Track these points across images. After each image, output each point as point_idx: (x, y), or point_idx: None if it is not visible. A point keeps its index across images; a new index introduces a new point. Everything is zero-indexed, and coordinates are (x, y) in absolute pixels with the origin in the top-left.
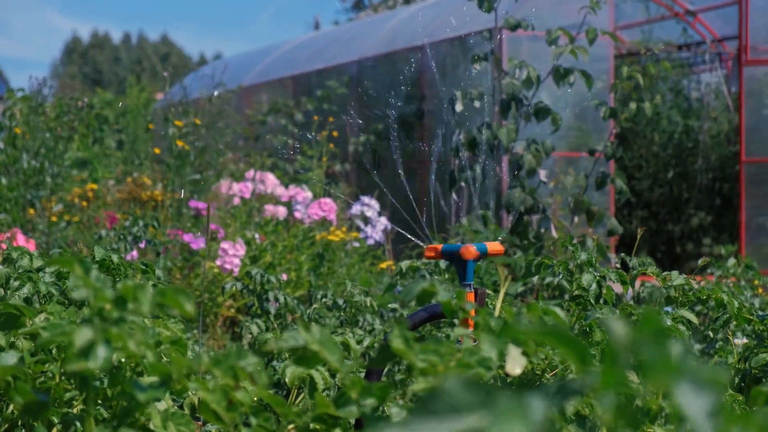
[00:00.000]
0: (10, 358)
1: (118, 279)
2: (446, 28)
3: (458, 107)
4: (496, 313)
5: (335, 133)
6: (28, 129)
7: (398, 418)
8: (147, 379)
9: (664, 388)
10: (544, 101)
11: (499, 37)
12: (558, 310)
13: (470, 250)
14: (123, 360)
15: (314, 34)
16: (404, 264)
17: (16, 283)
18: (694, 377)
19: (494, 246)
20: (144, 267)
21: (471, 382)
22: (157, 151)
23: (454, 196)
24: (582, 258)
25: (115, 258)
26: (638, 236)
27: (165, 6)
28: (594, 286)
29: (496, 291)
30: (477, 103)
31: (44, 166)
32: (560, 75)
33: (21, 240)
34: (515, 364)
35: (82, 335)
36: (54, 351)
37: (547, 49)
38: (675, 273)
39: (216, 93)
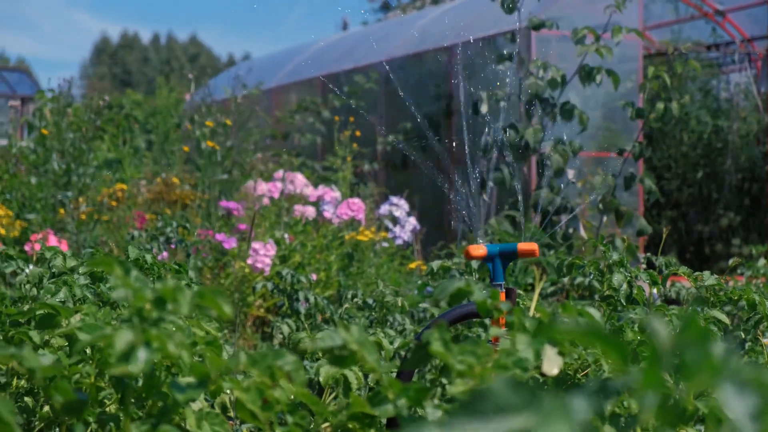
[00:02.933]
0: (48, 359)
1: (151, 279)
2: (474, 28)
3: (483, 108)
4: (531, 312)
5: (358, 133)
6: (56, 129)
7: (433, 417)
8: (184, 379)
9: (707, 389)
10: (573, 102)
11: (526, 37)
12: (593, 310)
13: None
14: (158, 360)
15: (343, 34)
16: (435, 264)
17: (52, 286)
18: (737, 378)
19: (527, 246)
20: (177, 267)
21: (515, 383)
22: (186, 149)
23: (483, 196)
24: (614, 258)
25: (148, 258)
26: (664, 236)
27: (194, 7)
28: (625, 286)
29: (526, 291)
30: (503, 104)
31: (71, 166)
32: (586, 74)
33: (53, 240)
34: (552, 364)
35: (123, 338)
36: (89, 351)
37: (575, 49)
38: (706, 273)
39: (244, 93)
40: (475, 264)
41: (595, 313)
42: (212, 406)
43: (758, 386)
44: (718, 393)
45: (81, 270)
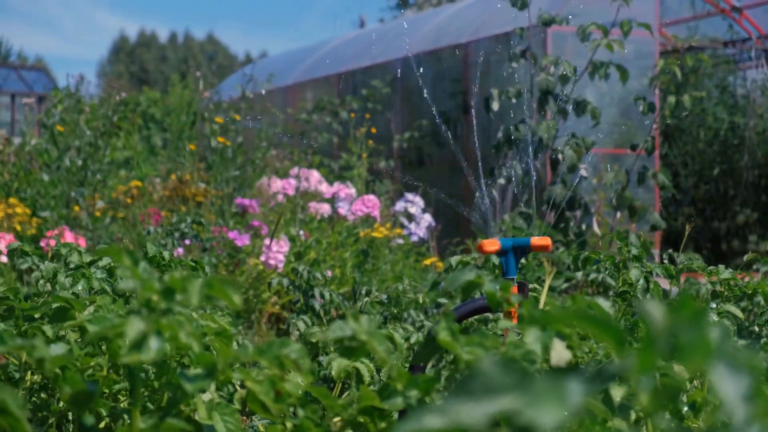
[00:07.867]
0: (59, 350)
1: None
2: (491, 25)
3: (495, 105)
4: (541, 305)
5: (374, 130)
6: (71, 126)
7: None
8: (194, 371)
9: (700, 371)
10: (589, 99)
11: (541, 34)
12: (602, 301)
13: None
14: (169, 352)
15: (359, 32)
16: (453, 260)
17: (68, 280)
18: (730, 360)
19: (540, 240)
20: (193, 264)
21: (506, 363)
22: (192, 147)
23: (494, 193)
24: (633, 253)
25: (165, 254)
26: (686, 232)
27: (211, 5)
28: (642, 281)
29: (540, 287)
30: (515, 100)
31: (87, 163)
32: (595, 68)
33: (69, 237)
34: (560, 357)
35: (134, 327)
36: (103, 344)
37: (588, 45)
38: (721, 267)
39: (262, 91)
40: (495, 260)
41: (605, 304)
42: (231, 402)
43: (751, 369)
44: (712, 374)
45: (98, 264)
